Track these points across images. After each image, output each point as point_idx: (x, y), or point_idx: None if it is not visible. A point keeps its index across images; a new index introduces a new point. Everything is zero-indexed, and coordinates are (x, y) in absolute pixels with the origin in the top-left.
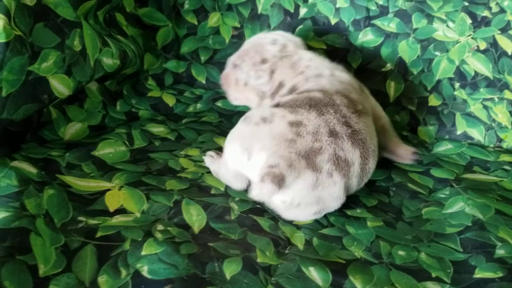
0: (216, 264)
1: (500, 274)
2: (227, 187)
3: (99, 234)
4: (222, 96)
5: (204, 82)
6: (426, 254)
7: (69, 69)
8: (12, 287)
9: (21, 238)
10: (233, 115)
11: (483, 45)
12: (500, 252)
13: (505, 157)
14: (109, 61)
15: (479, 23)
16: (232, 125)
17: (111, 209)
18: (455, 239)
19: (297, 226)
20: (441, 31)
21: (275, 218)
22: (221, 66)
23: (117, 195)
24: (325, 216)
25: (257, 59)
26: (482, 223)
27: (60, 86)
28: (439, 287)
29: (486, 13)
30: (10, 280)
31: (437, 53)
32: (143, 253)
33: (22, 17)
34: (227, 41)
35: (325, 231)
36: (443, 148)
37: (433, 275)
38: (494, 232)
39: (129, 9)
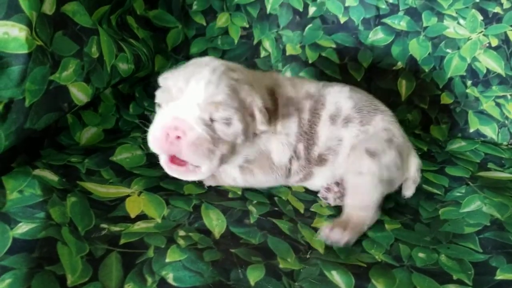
0: (239, 271)
1: None
2: (244, 191)
3: (122, 241)
4: None
5: None
6: (446, 256)
7: (88, 77)
8: None
9: (48, 248)
10: None
11: (494, 42)
12: None
13: None
14: (125, 66)
15: (490, 19)
16: None
17: (132, 215)
18: (474, 240)
19: (316, 230)
20: (452, 28)
21: (293, 220)
22: None
23: (137, 201)
24: None
25: None
26: (500, 222)
27: (80, 94)
28: None
29: (497, 9)
30: None
31: (448, 50)
32: (167, 260)
33: (43, 27)
34: (236, 41)
35: None
36: (457, 145)
37: (455, 277)
38: None
39: (139, 12)
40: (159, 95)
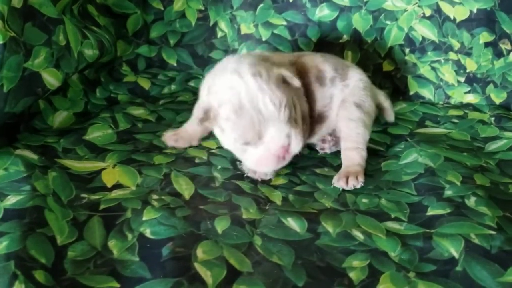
0: (208, 222)
1: (448, 210)
2: (209, 156)
3: (102, 206)
4: (194, 77)
5: (175, 64)
6: (386, 199)
7: (57, 63)
8: (38, 255)
9: (37, 214)
10: None
11: (428, 12)
12: (448, 192)
13: (453, 112)
14: (90, 52)
15: None
16: None
17: (109, 185)
18: (410, 185)
19: (274, 186)
20: (390, 1)
21: (254, 181)
22: (190, 48)
23: (112, 173)
24: (297, 175)
25: None
26: (433, 170)
27: (51, 79)
28: (398, 225)
29: None
30: (35, 249)
31: (387, 22)
32: (144, 218)
33: (13, 19)
34: (193, 23)
35: (298, 188)
36: (398, 107)
37: (392, 216)
38: (443, 176)
39: (99, 0)
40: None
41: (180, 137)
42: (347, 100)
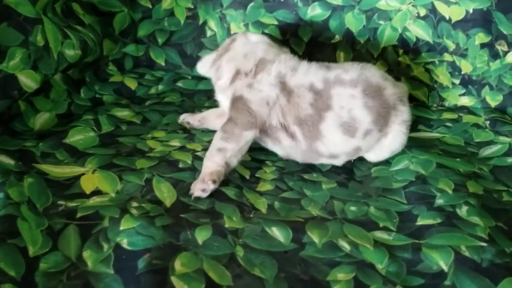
0: (188, 232)
1: (439, 220)
2: (194, 160)
3: (79, 214)
4: (182, 77)
5: (163, 64)
6: (375, 207)
7: (35, 64)
8: (7, 268)
9: (9, 224)
10: (194, 94)
11: (422, 12)
12: (439, 201)
13: (447, 115)
14: (71, 52)
15: None
16: (194, 103)
17: (87, 192)
18: (400, 193)
19: (260, 193)
20: (383, 1)
21: (239, 186)
22: (178, 47)
23: (91, 178)
24: (285, 181)
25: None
26: (424, 177)
27: (28, 81)
28: (386, 235)
29: None
30: (5, 261)
31: (381, 22)
32: (121, 228)
33: None
34: (182, 22)
35: (285, 194)
36: None
37: (381, 225)
38: (434, 184)
39: None
40: None
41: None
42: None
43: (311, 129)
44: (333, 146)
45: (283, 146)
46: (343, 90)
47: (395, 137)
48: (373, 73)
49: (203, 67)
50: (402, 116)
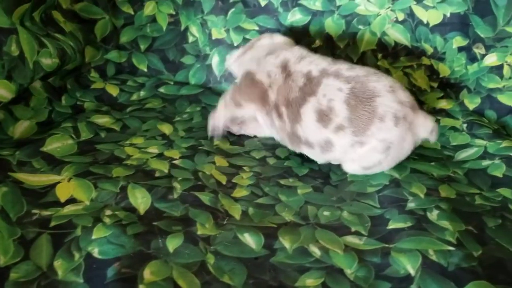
0: (160, 240)
1: (409, 224)
2: (170, 168)
3: (52, 223)
4: (165, 82)
5: (146, 70)
6: (348, 212)
7: (9, 74)
8: None
9: None
10: (176, 99)
11: (401, 16)
12: (411, 205)
13: None
14: (48, 61)
15: None
16: (175, 109)
17: (62, 200)
18: (374, 197)
19: (235, 199)
20: (362, 6)
21: (215, 191)
22: (161, 53)
23: (66, 187)
24: (260, 187)
25: None
26: (398, 181)
27: (3, 91)
28: (357, 239)
29: None
30: None
31: (360, 26)
32: (93, 237)
33: None
34: (164, 28)
35: (260, 200)
36: None
37: (353, 229)
38: (407, 188)
39: (65, 6)
40: None
41: None
42: None
43: (295, 111)
44: (308, 131)
45: (277, 128)
46: (334, 82)
47: (369, 152)
48: (378, 79)
49: (230, 59)
50: (386, 133)
